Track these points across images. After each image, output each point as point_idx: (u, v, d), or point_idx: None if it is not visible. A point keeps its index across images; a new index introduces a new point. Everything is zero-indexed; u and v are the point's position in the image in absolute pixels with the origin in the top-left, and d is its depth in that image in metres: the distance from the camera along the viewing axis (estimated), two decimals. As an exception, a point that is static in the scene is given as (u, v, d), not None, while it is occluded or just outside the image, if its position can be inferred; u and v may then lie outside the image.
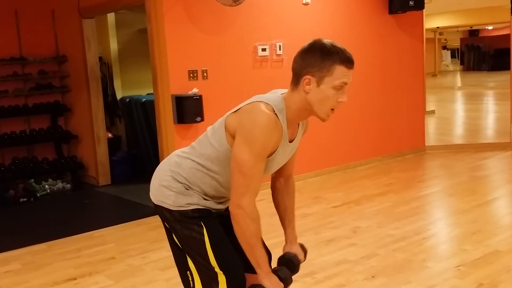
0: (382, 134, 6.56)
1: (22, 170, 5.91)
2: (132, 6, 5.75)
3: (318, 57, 1.74)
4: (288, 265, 1.97)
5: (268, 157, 1.78)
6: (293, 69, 1.81)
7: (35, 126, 6.24)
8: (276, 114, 1.74)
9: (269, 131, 1.72)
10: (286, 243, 2.10)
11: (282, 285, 1.84)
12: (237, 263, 1.87)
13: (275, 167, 1.91)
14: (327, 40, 1.79)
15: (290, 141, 1.86)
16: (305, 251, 2.12)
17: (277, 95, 1.83)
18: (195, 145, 1.94)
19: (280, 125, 1.75)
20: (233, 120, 1.79)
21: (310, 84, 1.75)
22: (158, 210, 1.95)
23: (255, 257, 1.80)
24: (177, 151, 2.00)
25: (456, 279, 3.09)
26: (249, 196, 1.73)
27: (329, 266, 3.37)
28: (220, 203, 1.95)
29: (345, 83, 1.75)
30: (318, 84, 1.74)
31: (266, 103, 1.76)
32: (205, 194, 1.90)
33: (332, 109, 1.79)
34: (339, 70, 1.74)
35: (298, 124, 1.91)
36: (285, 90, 1.89)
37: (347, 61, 1.75)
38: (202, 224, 1.86)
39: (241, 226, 1.75)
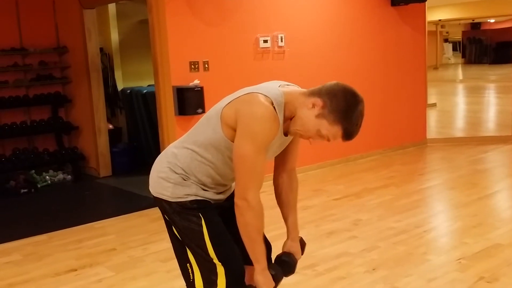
0: (383, 127, 6.55)
1: (22, 161, 5.91)
2: (133, -4, 5.72)
3: (341, 108, 1.73)
4: (284, 267, 1.97)
5: None
6: (322, 87, 1.79)
7: (35, 117, 6.22)
8: (274, 107, 1.75)
9: (269, 125, 1.73)
10: (287, 238, 2.09)
11: (273, 283, 1.85)
12: (236, 255, 1.87)
13: (271, 155, 1.91)
14: (362, 103, 1.77)
15: (285, 135, 1.87)
16: (303, 245, 2.12)
17: (276, 87, 1.82)
18: (190, 132, 1.95)
19: (278, 119, 1.76)
20: (230, 111, 1.78)
21: (315, 107, 1.76)
22: (157, 202, 1.96)
23: (254, 251, 1.81)
24: (173, 143, 2.01)
25: (456, 272, 3.09)
26: (254, 189, 1.75)
27: (330, 259, 3.37)
28: (219, 193, 1.95)
29: (328, 139, 1.79)
30: (318, 115, 1.76)
31: (265, 96, 1.75)
32: (203, 184, 1.90)
33: (308, 139, 1.84)
34: (337, 132, 1.76)
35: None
36: (284, 83, 1.89)
37: (347, 135, 1.77)
38: (200, 215, 1.86)
39: (244, 218, 1.77)
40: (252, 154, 1.72)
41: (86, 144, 6.35)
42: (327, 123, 1.75)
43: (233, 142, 1.78)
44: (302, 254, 2.11)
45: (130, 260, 3.57)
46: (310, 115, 1.77)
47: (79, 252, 3.77)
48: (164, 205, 1.92)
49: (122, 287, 3.17)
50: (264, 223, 1.82)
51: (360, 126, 1.78)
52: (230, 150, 1.80)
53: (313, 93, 1.79)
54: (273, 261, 2.01)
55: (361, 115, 1.77)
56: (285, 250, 2.06)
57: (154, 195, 1.96)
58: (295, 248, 2.07)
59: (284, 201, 2.08)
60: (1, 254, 3.81)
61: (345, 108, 1.74)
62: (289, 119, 1.83)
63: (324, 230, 3.93)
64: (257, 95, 1.76)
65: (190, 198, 1.87)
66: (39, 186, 5.81)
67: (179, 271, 2.02)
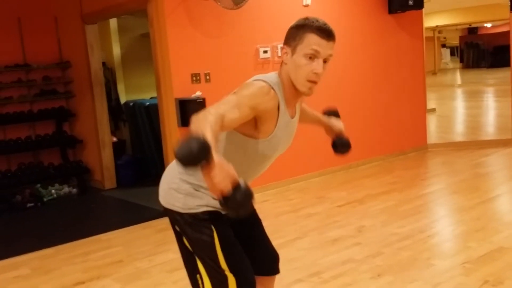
0: (384, 133, 6.60)
1: (28, 176, 5.95)
2: (134, 11, 5.79)
3: (294, 29, 1.81)
4: (344, 147, 2.22)
5: (269, 135, 1.80)
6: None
7: (40, 132, 6.28)
8: (272, 88, 1.77)
9: (260, 91, 1.74)
10: (327, 126, 2.27)
11: (232, 172, 1.46)
12: (247, 266, 1.88)
13: (282, 145, 1.90)
14: (310, 17, 1.84)
15: (292, 117, 1.90)
16: (337, 116, 2.31)
17: (270, 73, 1.87)
18: None
19: (274, 95, 1.77)
20: None
21: (287, 54, 1.81)
22: (168, 213, 1.96)
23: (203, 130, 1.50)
24: None
25: (461, 276, 3.12)
26: (217, 111, 1.63)
27: (335, 266, 3.40)
28: None
29: (317, 51, 1.76)
30: (292, 53, 1.79)
31: (263, 80, 1.79)
32: None
33: (311, 82, 1.78)
34: (311, 38, 1.76)
35: (295, 106, 1.94)
36: None
37: (319, 29, 1.76)
38: (213, 227, 1.87)
39: (198, 117, 1.57)
40: (232, 97, 1.71)
41: (90, 157, 6.40)
42: (301, 45, 1.76)
43: (240, 133, 1.80)
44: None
45: (137, 271, 3.60)
46: (289, 62, 1.79)
47: (86, 265, 3.80)
48: (175, 216, 1.92)
49: (130, 299, 3.21)
50: (217, 134, 1.57)
51: (323, 22, 1.78)
52: (238, 144, 1.82)
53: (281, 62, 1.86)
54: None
55: (309, 18, 1.79)
56: (335, 134, 2.25)
57: (165, 206, 1.95)
58: (336, 122, 2.26)
59: (304, 117, 2.20)
60: (10, 268, 3.85)
61: (297, 26, 1.80)
62: (291, 100, 1.86)
63: (329, 237, 3.96)
64: (257, 80, 1.80)
65: (202, 209, 1.87)
66: (45, 200, 5.85)
67: (186, 282, 2.04)
